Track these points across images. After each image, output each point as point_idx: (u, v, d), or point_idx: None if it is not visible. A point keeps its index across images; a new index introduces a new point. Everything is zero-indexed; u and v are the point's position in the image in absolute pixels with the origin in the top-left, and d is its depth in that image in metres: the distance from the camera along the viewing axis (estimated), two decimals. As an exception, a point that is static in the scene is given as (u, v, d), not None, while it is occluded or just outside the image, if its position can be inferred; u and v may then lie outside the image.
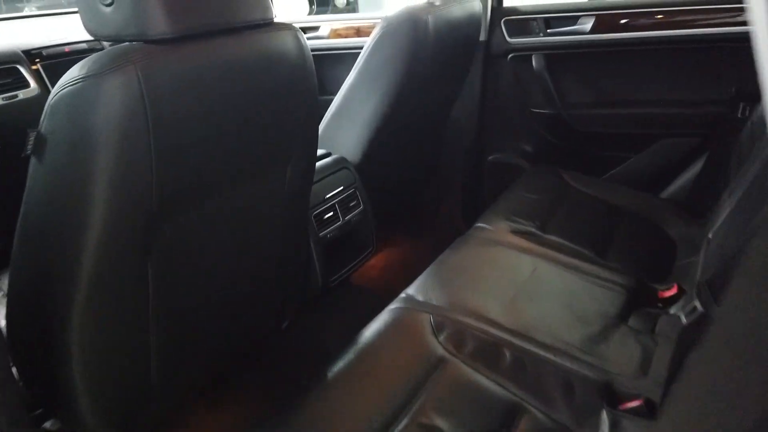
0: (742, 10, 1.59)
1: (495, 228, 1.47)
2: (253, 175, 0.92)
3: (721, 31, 1.62)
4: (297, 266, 1.23)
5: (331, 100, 1.55)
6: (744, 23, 1.58)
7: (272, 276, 1.10)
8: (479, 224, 1.49)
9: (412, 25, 1.37)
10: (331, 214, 1.41)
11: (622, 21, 1.72)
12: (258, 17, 0.84)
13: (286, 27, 0.91)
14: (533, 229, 1.47)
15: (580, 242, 1.43)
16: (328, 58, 2.11)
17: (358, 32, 2.10)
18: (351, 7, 7.50)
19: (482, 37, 1.86)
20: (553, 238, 1.45)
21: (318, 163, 1.41)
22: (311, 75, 0.95)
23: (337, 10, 7.40)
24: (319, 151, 1.48)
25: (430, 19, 1.40)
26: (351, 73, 1.49)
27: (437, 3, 1.48)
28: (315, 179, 1.21)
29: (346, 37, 2.12)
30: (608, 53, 1.79)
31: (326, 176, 1.41)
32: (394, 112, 1.48)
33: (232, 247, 0.95)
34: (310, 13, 2.34)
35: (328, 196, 1.40)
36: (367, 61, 1.45)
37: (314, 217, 1.35)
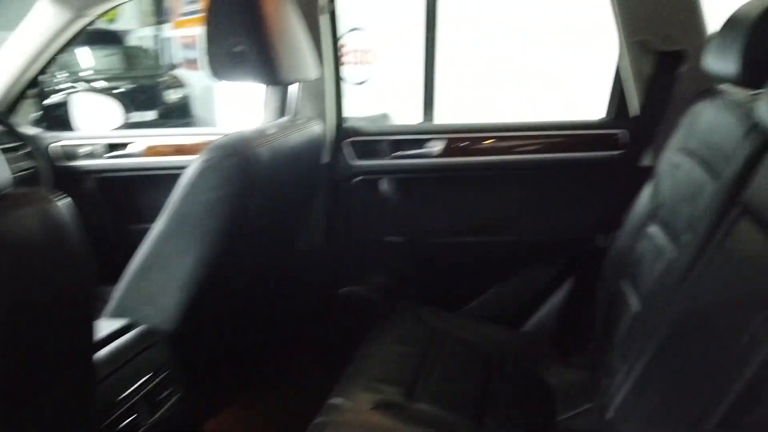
0: (597, 137, 1.58)
1: (354, 403, 1.19)
2: None
3: (579, 156, 1.58)
4: None
5: (146, 230, 1.19)
6: (601, 148, 1.57)
7: None
8: (334, 400, 1.19)
9: (239, 163, 1.09)
10: (134, 417, 1.02)
11: (474, 145, 1.63)
12: None
13: (26, 201, 0.59)
14: (399, 399, 1.22)
15: (454, 406, 1.21)
16: (144, 180, 1.76)
17: (180, 150, 1.78)
18: (183, 102, 7.20)
19: (325, 159, 1.65)
20: (423, 407, 1.20)
21: (111, 346, 1.04)
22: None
23: (167, 108, 7.01)
24: (117, 323, 1.11)
25: (263, 152, 1.14)
26: (160, 217, 1.16)
27: (271, 131, 1.23)
28: (105, 373, 0.92)
29: (165, 155, 1.79)
30: (461, 178, 1.67)
31: (122, 365, 1.03)
32: (221, 264, 1.17)
33: None
34: (125, 122, 1.96)
35: (126, 393, 1.01)
36: (182, 206, 1.13)
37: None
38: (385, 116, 5.26)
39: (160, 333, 1.14)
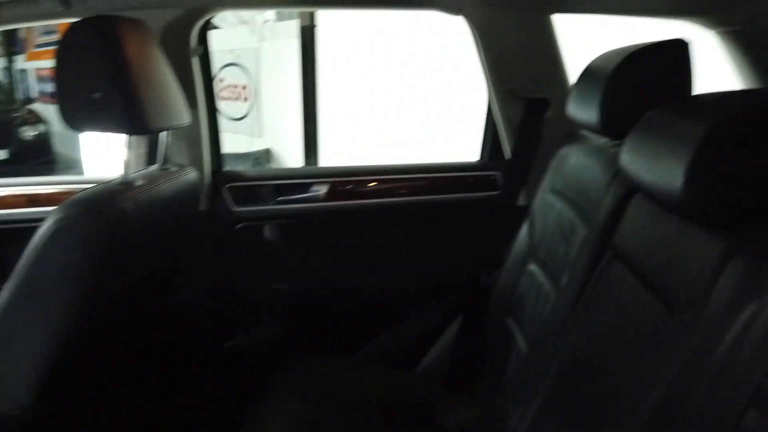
0: (476, 178, 1.63)
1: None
2: None
3: (459, 197, 1.62)
4: None
5: None
6: (480, 189, 1.62)
7: None
8: None
9: (98, 221, 0.97)
10: None
11: (358, 188, 1.61)
12: None
13: None
14: None
15: None
16: None
17: (34, 201, 1.58)
18: (41, 140, 6.57)
19: (203, 206, 1.55)
20: None
21: None
22: None
23: (22, 146, 6.36)
24: None
25: (129, 206, 1.04)
26: (7, 285, 1.00)
27: (138, 182, 1.12)
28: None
29: (15, 206, 1.58)
30: (347, 221, 1.65)
31: None
32: (82, 334, 1.03)
33: None
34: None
35: None
36: (31, 271, 0.98)
37: None
38: (267, 151, 5.15)
39: (10, 421, 0.98)
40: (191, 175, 1.37)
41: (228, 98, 5.19)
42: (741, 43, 1.32)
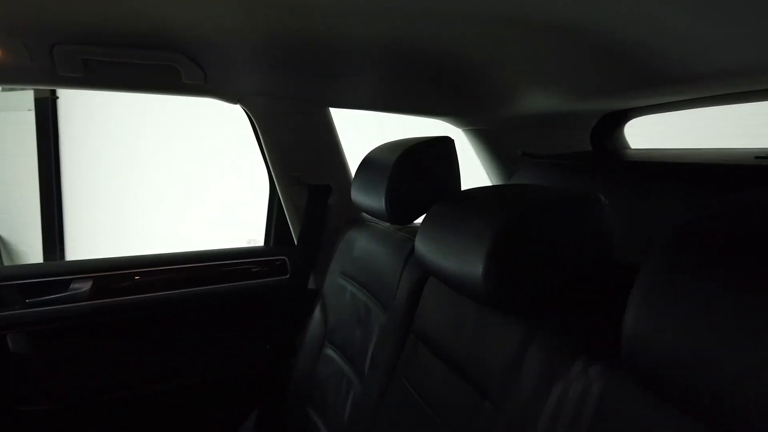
0: (264, 264, 1.58)
1: None
2: None
3: (248, 284, 1.55)
4: None
5: None
6: (268, 275, 1.57)
7: None
8: None
9: None
10: None
11: (131, 281, 1.43)
12: None
13: None
14: None
15: None
16: None
17: None
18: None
19: None
20: None
21: None
22: None
23: None
24: None
25: None
26: None
27: None
28: None
29: None
30: (119, 321, 1.43)
31: None
32: None
33: None
34: None
35: None
36: None
37: None
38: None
39: None
40: None
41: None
42: (482, 139, 1.58)
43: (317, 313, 1.43)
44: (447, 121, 1.56)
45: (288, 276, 1.57)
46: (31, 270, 1.37)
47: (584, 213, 0.74)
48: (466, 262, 0.73)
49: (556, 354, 0.63)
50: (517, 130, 1.54)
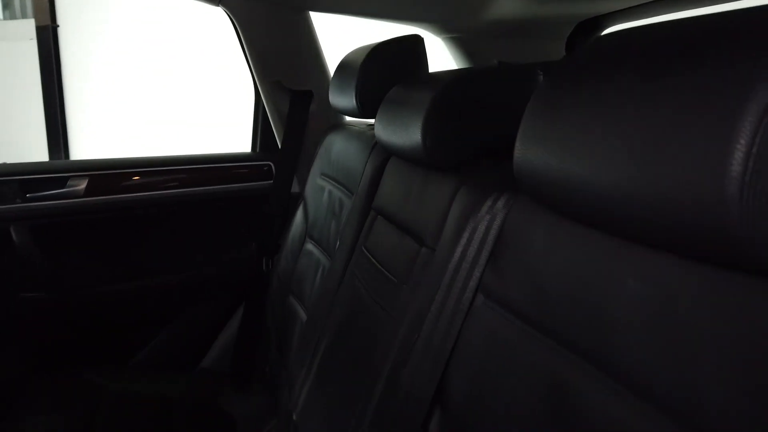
0: (249, 168, 1.65)
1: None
2: None
3: (234, 188, 1.63)
4: None
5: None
6: (253, 179, 1.65)
7: None
8: None
9: None
10: None
11: (122, 182, 1.51)
12: None
13: None
14: None
15: None
16: None
17: None
18: None
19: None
20: None
21: None
22: None
23: None
24: None
25: None
26: None
27: None
28: None
29: None
30: (112, 219, 1.53)
31: None
32: None
33: None
34: None
35: None
36: None
37: None
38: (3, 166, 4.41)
39: None
40: None
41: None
42: (460, 48, 1.61)
43: (299, 214, 1.51)
44: (426, 29, 1.59)
45: (272, 180, 1.65)
46: (31, 167, 1.46)
47: (512, 82, 0.81)
48: (408, 130, 0.83)
49: (472, 196, 0.72)
50: (494, 39, 1.57)
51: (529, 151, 0.51)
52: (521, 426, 0.50)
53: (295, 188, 1.64)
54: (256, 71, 1.54)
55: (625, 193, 0.40)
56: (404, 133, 0.84)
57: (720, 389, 0.36)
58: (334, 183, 1.36)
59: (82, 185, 1.47)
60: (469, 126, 0.82)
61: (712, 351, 0.37)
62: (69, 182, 1.47)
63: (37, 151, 4.07)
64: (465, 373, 0.60)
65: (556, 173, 0.47)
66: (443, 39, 1.63)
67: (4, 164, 1.46)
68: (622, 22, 1.43)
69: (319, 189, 1.43)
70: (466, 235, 0.67)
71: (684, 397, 0.38)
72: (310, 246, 1.39)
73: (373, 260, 0.97)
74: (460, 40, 1.59)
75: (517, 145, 0.53)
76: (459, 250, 0.67)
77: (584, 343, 0.47)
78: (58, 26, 4.25)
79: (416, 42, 1.22)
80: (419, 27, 1.58)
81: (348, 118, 1.62)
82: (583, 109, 0.46)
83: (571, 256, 0.50)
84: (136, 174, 1.53)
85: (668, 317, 0.41)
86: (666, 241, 0.40)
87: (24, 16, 4.40)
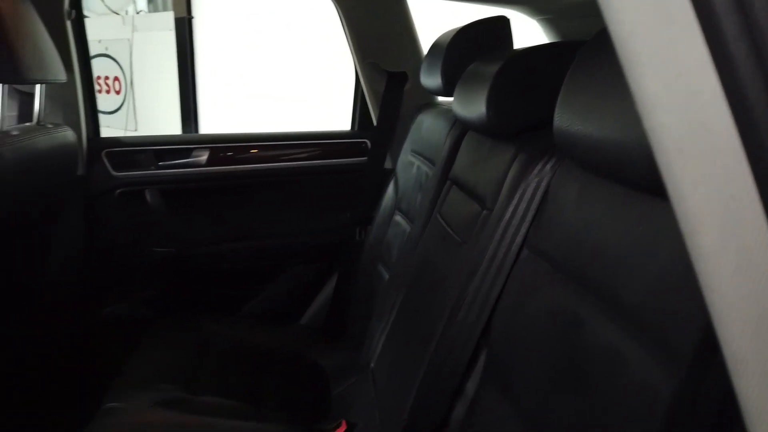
0: (347, 145, 1.79)
1: (130, 405, 1.16)
2: None
3: (333, 163, 1.77)
4: None
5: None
6: (351, 155, 1.79)
7: None
8: (109, 405, 1.15)
9: None
10: None
11: (238, 155, 1.71)
12: None
13: None
14: (179, 395, 1.22)
15: (234, 395, 1.26)
16: None
17: None
18: None
19: (80, 171, 1.57)
20: (203, 399, 1.23)
21: None
22: None
23: None
24: None
25: (6, 152, 1.07)
26: None
27: (14, 132, 1.15)
28: None
29: None
30: (228, 186, 1.74)
31: None
32: None
33: None
34: None
35: None
36: None
37: None
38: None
39: None
40: (68, 134, 1.39)
41: (97, 90, 4.94)
42: (554, 29, 1.62)
43: (390, 188, 1.62)
44: (521, 11, 1.61)
45: (368, 156, 1.77)
46: (163, 139, 1.70)
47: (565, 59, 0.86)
48: (476, 103, 0.90)
49: (526, 162, 0.78)
50: (584, 19, 1.56)
51: (565, 117, 0.57)
52: (542, 359, 0.57)
53: (388, 164, 1.75)
54: (355, 52, 1.66)
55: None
56: (473, 106, 0.92)
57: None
58: (421, 159, 1.44)
59: (204, 156, 1.69)
60: (527, 98, 0.88)
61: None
62: (193, 153, 1.69)
63: (173, 125, 4.52)
64: (504, 317, 0.67)
65: (589, 135, 0.53)
66: (538, 20, 1.65)
67: (142, 136, 1.72)
68: None
69: (408, 165, 1.53)
70: (517, 195, 0.73)
71: (674, 330, 0.43)
72: (398, 217, 1.50)
73: (444, 224, 1.06)
74: (552, 21, 1.60)
75: (557, 112, 0.59)
76: (510, 209, 0.73)
77: (601, 286, 0.52)
78: (193, 18, 4.69)
79: (502, 23, 1.26)
80: (514, 9, 1.61)
81: (439, 98, 1.69)
82: (615, 78, 0.51)
83: (597, 209, 0.55)
84: (250, 148, 1.72)
85: (677, 262, 0.45)
86: None
87: (165, 9, 4.91)
